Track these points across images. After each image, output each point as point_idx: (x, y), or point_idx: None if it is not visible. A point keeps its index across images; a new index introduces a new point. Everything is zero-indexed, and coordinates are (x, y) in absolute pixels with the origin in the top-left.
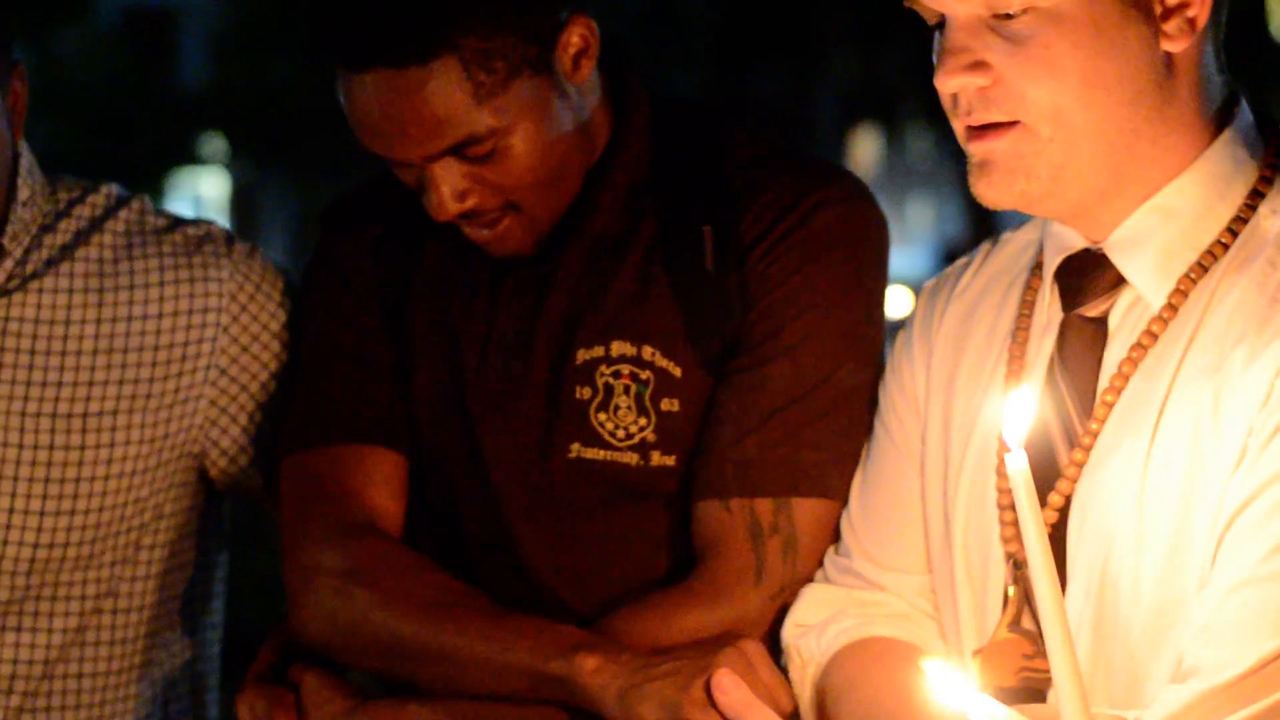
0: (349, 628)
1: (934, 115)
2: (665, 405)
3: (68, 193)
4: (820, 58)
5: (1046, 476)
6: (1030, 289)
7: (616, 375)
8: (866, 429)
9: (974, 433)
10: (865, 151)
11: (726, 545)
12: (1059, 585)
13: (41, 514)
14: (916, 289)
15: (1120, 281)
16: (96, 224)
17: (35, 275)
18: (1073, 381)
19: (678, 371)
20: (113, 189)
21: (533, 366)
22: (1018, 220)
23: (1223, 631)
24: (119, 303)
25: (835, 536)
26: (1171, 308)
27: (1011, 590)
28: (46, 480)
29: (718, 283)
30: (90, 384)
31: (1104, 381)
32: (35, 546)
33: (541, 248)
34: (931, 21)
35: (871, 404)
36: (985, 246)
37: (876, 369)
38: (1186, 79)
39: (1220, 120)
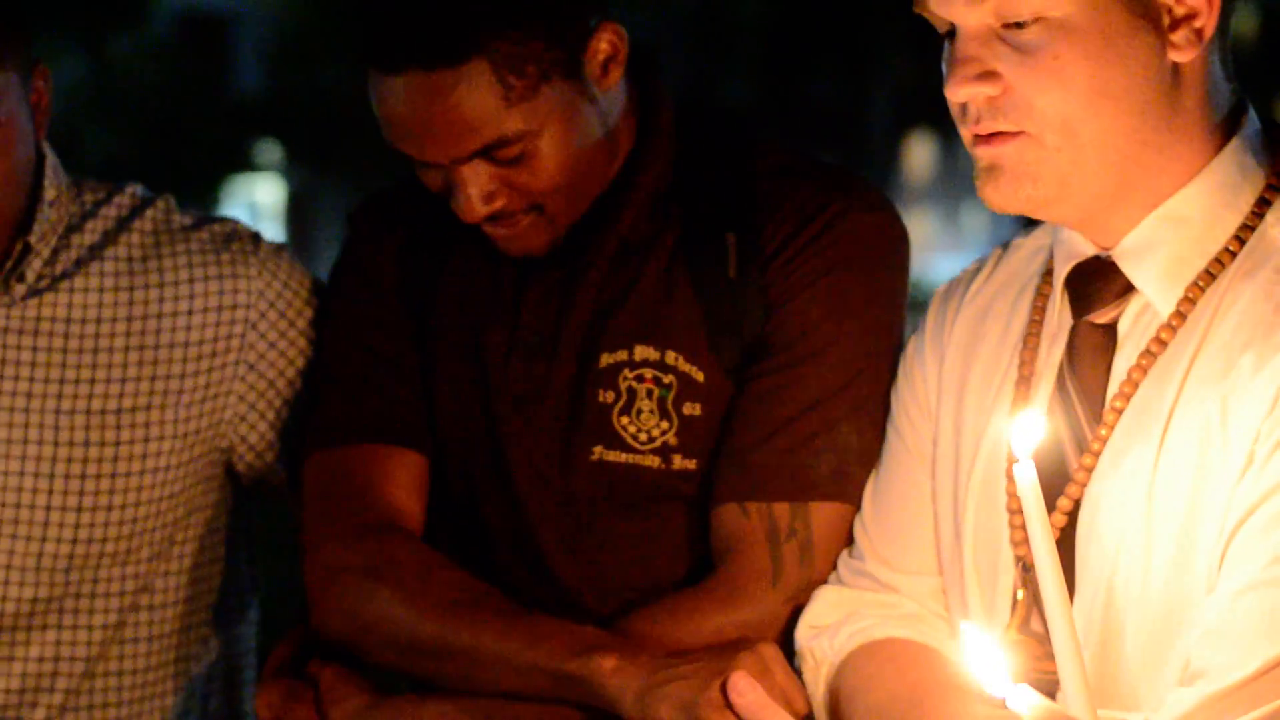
0: (369, 625)
1: None
2: (687, 410)
3: (93, 194)
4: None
5: (1056, 481)
6: (1041, 295)
7: (640, 379)
8: (882, 434)
9: (984, 437)
10: (919, 157)
11: (744, 548)
12: (1066, 589)
13: (79, 510)
14: None
15: (1129, 289)
16: (123, 224)
17: (65, 275)
18: (1082, 387)
19: (700, 376)
20: (137, 189)
21: (556, 369)
22: None
23: (1230, 635)
24: (149, 300)
25: (849, 539)
26: (1180, 315)
27: (1020, 593)
28: (83, 476)
29: (740, 289)
30: (123, 380)
31: (1113, 388)
32: (74, 543)
33: (563, 250)
34: (942, 30)
35: (887, 410)
36: (996, 252)
37: (893, 376)
38: (1194, 88)
39: (1227, 128)
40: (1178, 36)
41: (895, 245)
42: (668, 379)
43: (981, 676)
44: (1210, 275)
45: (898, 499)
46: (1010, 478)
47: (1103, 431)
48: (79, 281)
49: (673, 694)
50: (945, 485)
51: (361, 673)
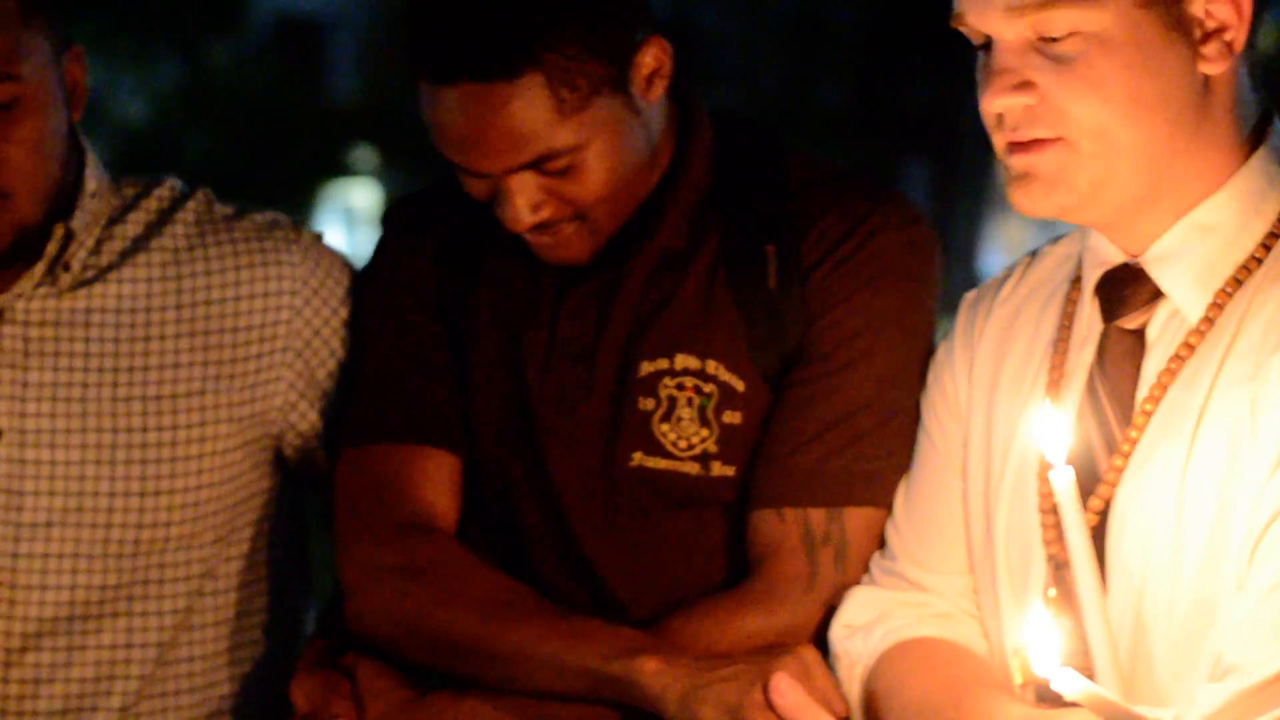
0: (408, 624)
1: None
2: (727, 418)
3: (132, 188)
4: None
5: (1087, 482)
6: (1070, 301)
7: (680, 388)
8: (914, 440)
9: (1015, 439)
10: None
11: (781, 553)
12: (1101, 587)
13: (141, 495)
14: None
15: (1158, 295)
16: (165, 215)
17: (111, 267)
18: (1112, 390)
19: (740, 386)
20: (175, 182)
21: (596, 376)
22: None
23: (1260, 631)
24: (196, 288)
25: (881, 541)
26: (1208, 320)
27: (1053, 591)
28: (143, 462)
29: (780, 300)
30: (176, 366)
31: (1143, 391)
32: (139, 528)
33: (600, 259)
34: (977, 42)
35: (918, 416)
36: (1024, 259)
37: (924, 383)
38: (1223, 99)
39: (1255, 138)
40: (1209, 49)
41: (929, 257)
42: (708, 388)
43: (1035, 657)
44: (1238, 281)
45: (929, 500)
46: (1042, 478)
47: (1133, 433)
48: (126, 272)
49: (716, 696)
50: (977, 487)
51: (397, 667)
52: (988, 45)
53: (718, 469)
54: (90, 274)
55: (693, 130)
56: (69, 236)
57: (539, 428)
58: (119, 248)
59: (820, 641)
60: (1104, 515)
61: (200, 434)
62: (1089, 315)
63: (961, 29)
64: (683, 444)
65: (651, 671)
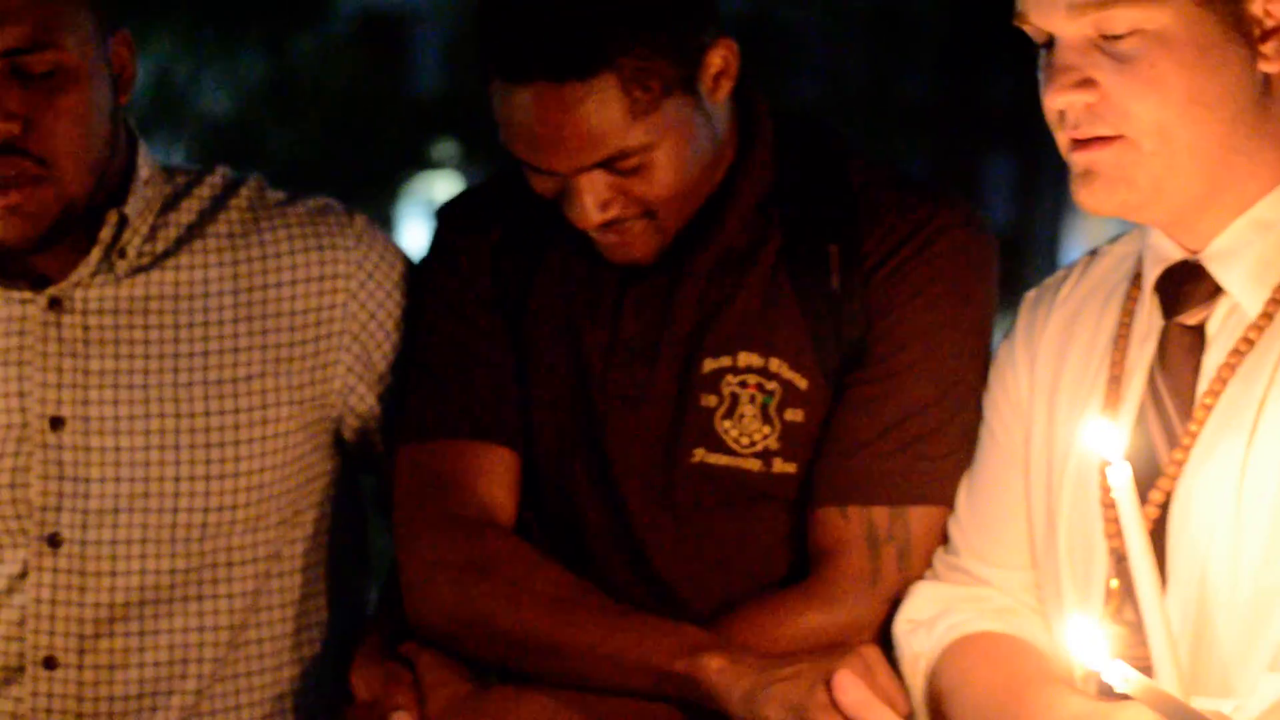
0: (470, 620)
1: None
2: (790, 415)
3: (183, 176)
4: None
5: (1147, 475)
6: (1130, 299)
7: (743, 385)
8: (975, 438)
9: (1077, 434)
10: None
11: (843, 550)
12: (1159, 579)
13: (207, 479)
14: None
15: (1218, 291)
16: (218, 202)
17: (167, 253)
18: (1173, 386)
19: (803, 384)
20: (226, 170)
21: (658, 373)
22: None
23: None
24: (253, 273)
25: (944, 538)
26: (1267, 315)
27: (1114, 582)
28: (207, 446)
29: (842, 299)
30: (235, 350)
31: (1203, 385)
32: (205, 511)
33: (662, 256)
34: (1040, 41)
35: (980, 415)
36: (1084, 259)
37: (985, 382)
38: None
39: None
40: (1268, 48)
41: (989, 258)
42: (771, 385)
43: (1083, 655)
44: None
45: (991, 496)
46: (1104, 472)
47: (1193, 427)
48: (182, 258)
49: (780, 694)
50: (1039, 482)
51: (457, 659)
52: (1050, 43)
53: (779, 466)
54: (146, 261)
55: (755, 130)
56: (123, 223)
57: (600, 424)
58: (174, 234)
59: (883, 640)
60: (1164, 509)
61: (262, 417)
62: (1149, 312)
63: (1024, 28)
64: (745, 441)
65: (715, 669)
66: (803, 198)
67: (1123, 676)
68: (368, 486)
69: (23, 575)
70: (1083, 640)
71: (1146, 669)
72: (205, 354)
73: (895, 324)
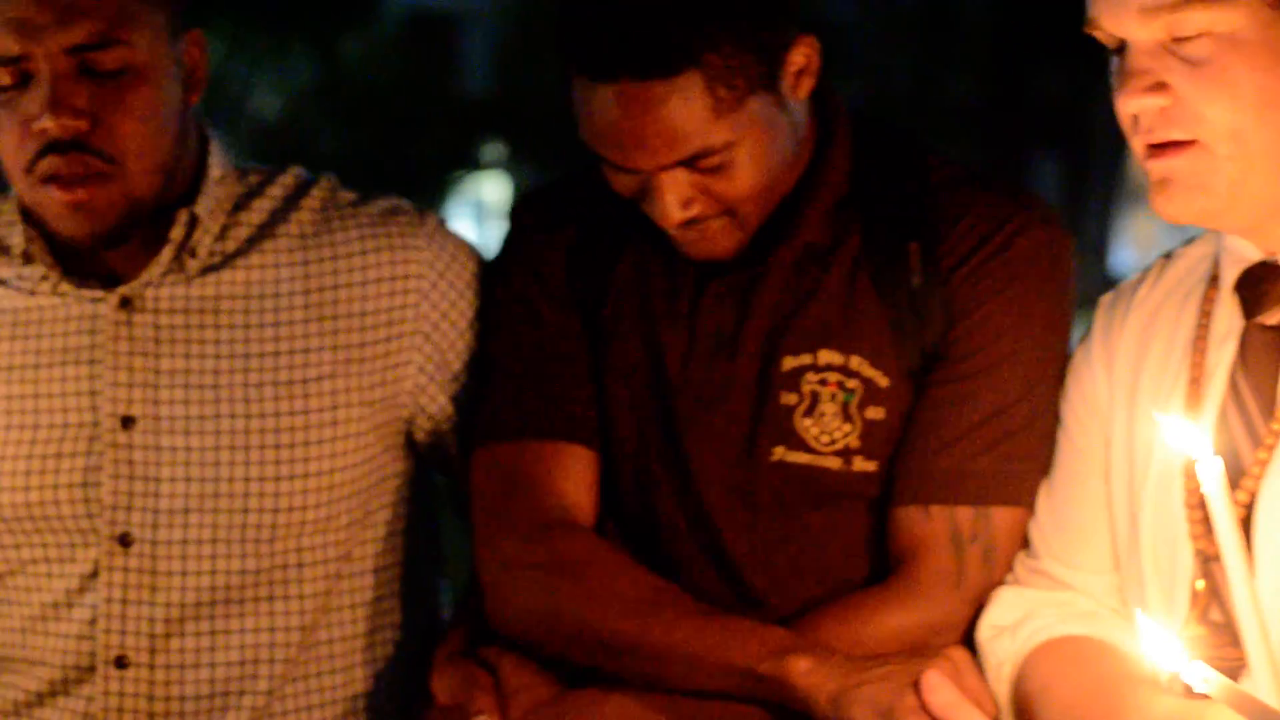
0: (552, 622)
1: None
2: (870, 413)
3: (256, 175)
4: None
5: (1231, 475)
6: (1207, 300)
7: (823, 383)
8: (1055, 441)
9: (1157, 437)
10: None
11: (927, 550)
12: (1252, 578)
13: (277, 479)
14: None
15: None
16: (291, 201)
17: (238, 253)
18: (1255, 386)
19: (884, 382)
20: (299, 171)
21: (738, 371)
22: None
23: None
24: (324, 273)
25: (1026, 541)
26: None
27: (1200, 584)
28: (277, 446)
29: (923, 298)
30: (306, 351)
31: None
32: (275, 512)
33: (742, 254)
34: (1111, 45)
35: (1059, 416)
36: (1159, 261)
37: (1064, 386)
38: None
39: None
40: None
41: (1068, 257)
42: (852, 383)
43: (1161, 659)
44: None
45: (1072, 499)
46: (1187, 474)
47: (1276, 426)
48: (253, 258)
49: (868, 697)
50: (1120, 485)
51: (538, 662)
52: (1121, 48)
53: (859, 464)
54: (217, 260)
55: (834, 128)
56: (194, 222)
57: (679, 422)
58: (245, 234)
59: (966, 643)
60: (1250, 508)
61: (332, 418)
62: (1229, 313)
63: (1095, 33)
64: (825, 439)
65: (802, 671)
66: (882, 195)
67: (1202, 677)
68: (441, 487)
69: (94, 574)
70: (1157, 644)
71: (1231, 670)
72: (276, 354)
73: (978, 322)
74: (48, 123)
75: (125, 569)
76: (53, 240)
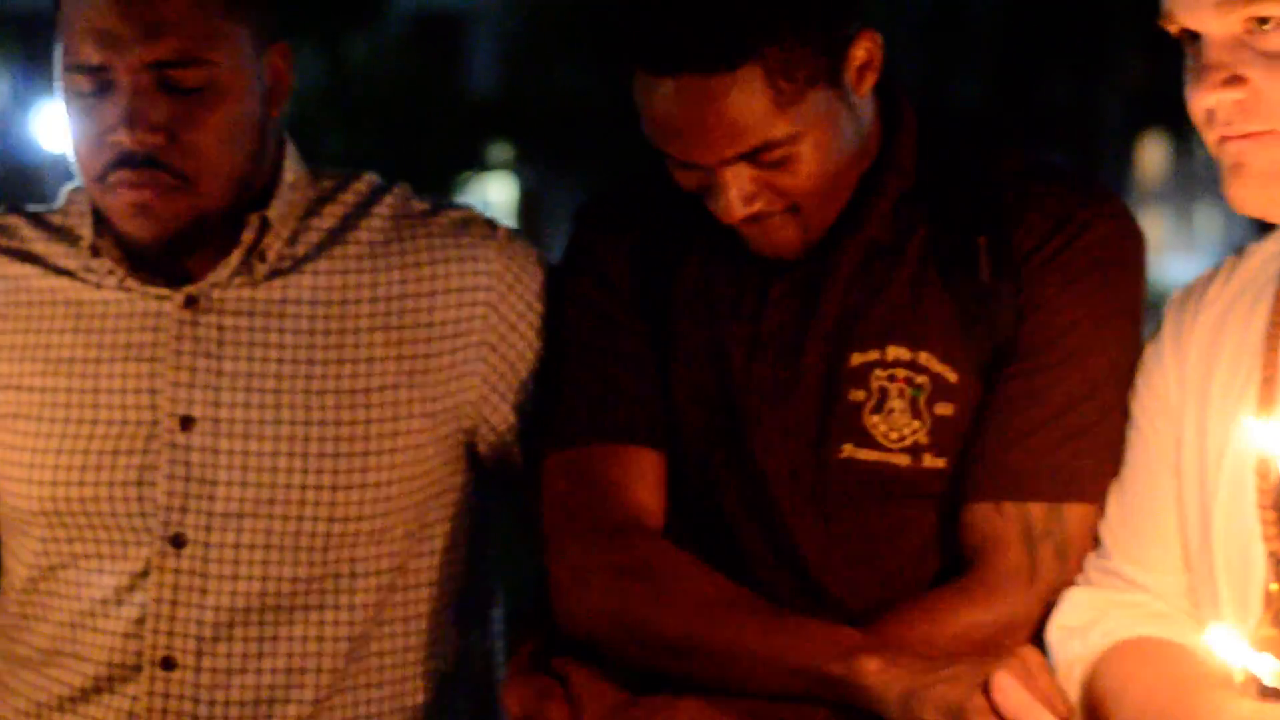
0: (624, 624)
1: None
2: (940, 410)
3: (330, 180)
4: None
5: None
6: (1279, 299)
7: (892, 379)
8: (1125, 439)
9: (1230, 436)
10: (1153, 158)
11: (1000, 547)
12: None
13: (334, 488)
14: None
15: None
16: (362, 209)
17: (307, 258)
18: None
19: (954, 377)
20: (373, 177)
21: (804, 368)
22: None
23: None
24: (391, 282)
25: (1096, 541)
26: None
27: (1274, 586)
28: (335, 455)
29: (992, 292)
30: (370, 360)
31: None
32: (330, 520)
33: (807, 251)
34: (1185, 41)
35: (1129, 413)
36: (1230, 259)
37: (1134, 384)
38: None
39: None
40: None
41: (1138, 250)
42: (920, 379)
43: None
44: None
45: (1142, 499)
46: (1260, 475)
47: None
48: (322, 264)
49: (938, 697)
50: (1191, 486)
51: (608, 671)
52: (1195, 43)
53: (929, 461)
54: (286, 265)
55: (899, 122)
56: (265, 226)
57: (745, 421)
58: (315, 240)
59: (1037, 642)
60: None
61: (393, 429)
62: None
63: (1169, 28)
64: (894, 435)
65: (872, 672)
66: (949, 189)
67: (1274, 671)
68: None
69: (144, 574)
70: (1226, 643)
71: None
72: (340, 362)
73: (1049, 317)
74: (123, 136)
75: (176, 570)
76: (121, 235)
